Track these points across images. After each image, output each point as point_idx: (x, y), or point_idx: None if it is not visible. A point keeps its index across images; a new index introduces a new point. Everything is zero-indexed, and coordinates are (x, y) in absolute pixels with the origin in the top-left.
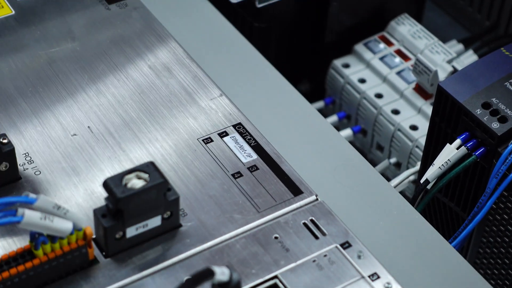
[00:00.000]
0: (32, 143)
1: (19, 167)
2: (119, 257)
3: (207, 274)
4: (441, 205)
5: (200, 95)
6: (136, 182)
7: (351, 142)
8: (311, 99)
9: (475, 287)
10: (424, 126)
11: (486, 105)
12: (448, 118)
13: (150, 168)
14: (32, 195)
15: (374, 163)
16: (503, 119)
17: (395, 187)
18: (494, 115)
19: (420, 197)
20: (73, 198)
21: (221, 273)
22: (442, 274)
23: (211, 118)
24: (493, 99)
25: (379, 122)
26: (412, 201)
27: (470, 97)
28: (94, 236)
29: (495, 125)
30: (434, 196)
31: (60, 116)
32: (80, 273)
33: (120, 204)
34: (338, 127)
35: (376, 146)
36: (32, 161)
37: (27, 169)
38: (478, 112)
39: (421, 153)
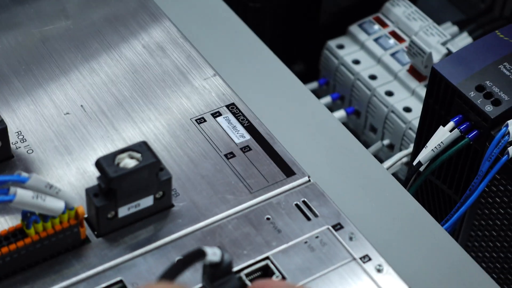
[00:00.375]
0: (25, 122)
1: (11, 145)
2: (111, 237)
3: (199, 254)
4: (433, 188)
5: (193, 75)
6: (128, 162)
7: (345, 123)
8: (305, 80)
9: (466, 270)
10: (417, 108)
11: (480, 88)
12: (441, 100)
13: (142, 147)
14: (24, 174)
15: (367, 145)
16: (496, 102)
17: (387, 169)
18: (487, 98)
19: (413, 179)
20: (65, 177)
21: (213, 254)
22: (433, 256)
23: (205, 98)
24: (487, 82)
25: (372, 103)
26: (404, 183)
27: (464, 79)
28: (86, 216)
29: (488, 108)
30: (427, 179)
31: (53, 95)
32: (72, 252)
33: (112, 183)
34: (332, 108)
35: (370, 127)
36: (24, 140)
37: (20, 147)
38: (471, 95)
39: (414, 135)
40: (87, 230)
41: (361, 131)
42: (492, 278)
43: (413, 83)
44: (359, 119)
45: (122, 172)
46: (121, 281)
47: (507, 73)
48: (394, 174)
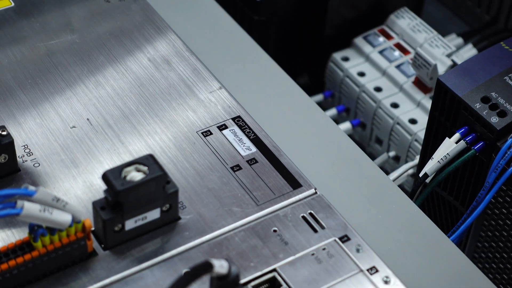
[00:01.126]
0: (31, 135)
1: (18, 159)
2: (118, 250)
3: (206, 267)
4: (440, 199)
5: (199, 88)
6: (135, 175)
7: (350, 136)
8: (310, 92)
9: (473, 281)
10: (423, 120)
11: (485, 99)
12: (447, 112)
13: (149, 160)
14: (31, 187)
15: (373, 157)
16: (502, 114)
17: (393, 180)
18: (493, 109)
19: (419, 191)
20: (72, 190)
21: (220, 266)
22: (440, 268)
23: (210, 111)
24: (493, 93)
25: (378, 115)
26: (411, 195)
27: (469, 91)
28: (93, 229)
29: (494, 120)
30: (433, 190)
31: (59, 108)
32: (79, 265)
33: (119, 196)
34: (337, 120)
35: (375, 139)
36: (31, 153)
37: (26, 161)
38: (477, 106)
39: (420, 147)
40: (94, 243)
41: (366, 143)
42: None
43: (419, 95)
44: (365, 131)
45: (129, 185)
46: None
47: None
48: (400, 186)
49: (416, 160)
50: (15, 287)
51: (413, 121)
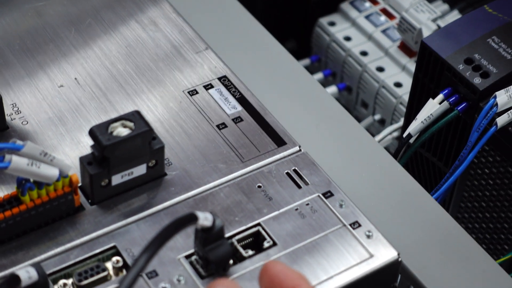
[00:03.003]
0: (20, 94)
1: (6, 117)
2: (105, 205)
3: (191, 218)
4: (423, 160)
5: (186, 49)
6: (121, 130)
7: (336, 99)
8: (297, 57)
9: (455, 237)
10: (408, 83)
11: (468, 61)
12: (431, 73)
13: (135, 116)
14: (19, 142)
15: (358, 120)
16: (485, 75)
17: (378, 142)
18: (476, 70)
19: (403, 151)
20: (59, 147)
21: (204, 218)
22: (423, 225)
23: (197, 71)
24: (476, 55)
25: (364, 79)
26: (394, 155)
27: (453, 53)
28: (80, 184)
29: (477, 80)
30: (417, 151)
31: (48, 68)
32: (66, 220)
33: (105, 151)
34: (324, 84)
35: (361, 103)
36: (19, 111)
37: (15, 119)
38: (460, 68)
39: (405, 110)
40: (81, 198)
41: (352, 107)
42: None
43: (404, 59)
44: (351, 95)
45: (115, 140)
46: (114, 246)
47: (496, 46)
48: (385, 149)
49: (401, 122)
50: (3, 241)
51: (398, 85)
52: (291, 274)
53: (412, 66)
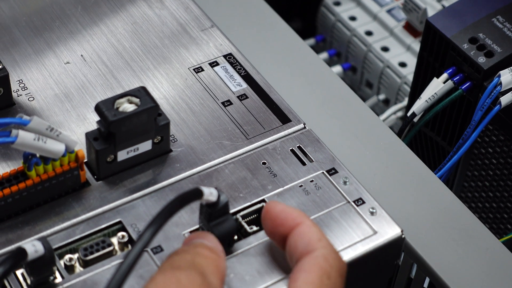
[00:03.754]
0: (26, 71)
1: (13, 93)
2: (111, 180)
3: (196, 193)
4: (428, 140)
5: (191, 26)
6: (127, 106)
7: (341, 79)
8: (302, 36)
9: (458, 214)
10: (413, 63)
11: (473, 40)
12: (435, 52)
13: (141, 92)
14: (26, 117)
15: (363, 100)
16: (489, 54)
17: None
18: (480, 49)
19: (407, 130)
20: (66, 123)
21: (209, 194)
22: (426, 203)
23: (202, 48)
24: (480, 35)
25: (368, 59)
26: (398, 134)
27: (457, 32)
28: (86, 160)
29: (481, 60)
30: (421, 131)
31: (54, 45)
32: (72, 195)
33: (111, 127)
34: (329, 64)
35: (366, 83)
36: (26, 88)
37: (21, 95)
38: (465, 47)
39: (409, 90)
40: (87, 174)
41: (357, 87)
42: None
43: (409, 39)
44: (356, 75)
45: (121, 115)
46: (120, 222)
47: (500, 25)
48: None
49: (405, 102)
50: (10, 216)
51: (403, 65)
52: (292, 213)
53: (417, 46)
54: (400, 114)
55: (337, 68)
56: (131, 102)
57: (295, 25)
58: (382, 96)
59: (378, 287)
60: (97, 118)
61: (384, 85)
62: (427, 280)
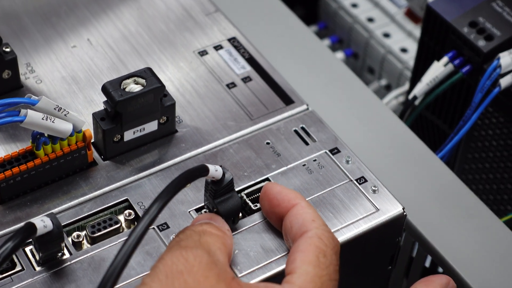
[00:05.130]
0: (33, 54)
1: (20, 76)
2: (117, 160)
3: (201, 170)
4: (428, 123)
5: (196, 11)
6: (134, 87)
7: None
8: (305, 24)
9: (458, 193)
10: (414, 49)
11: (473, 24)
12: (436, 36)
13: (147, 73)
14: (34, 97)
15: None
16: (489, 37)
17: None
18: (480, 33)
19: (408, 113)
20: (73, 105)
21: (215, 170)
22: (428, 182)
23: (207, 32)
24: (480, 18)
25: (370, 45)
26: (400, 117)
27: (457, 16)
28: (93, 141)
29: (481, 43)
30: (422, 114)
31: (60, 29)
32: (80, 174)
33: (118, 107)
34: (331, 50)
35: (367, 69)
36: (33, 71)
37: (29, 78)
38: (465, 31)
39: (410, 75)
40: (94, 154)
41: (359, 73)
42: None
43: (410, 25)
44: (357, 61)
45: (128, 95)
46: (127, 200)
47: (499, 10)
48: None
49: (406, 86)
50: (18, 194)
51: (404, 50)
52: (288, 194)
53: (417, 32)
54: (401, 98)
55: (339, 55)
56: (137, 83)
57: (298, 13)
58: (383, 82)
59: (380, 264)
60: (104, 99)
61: (386, 71)
62: (428, 260)
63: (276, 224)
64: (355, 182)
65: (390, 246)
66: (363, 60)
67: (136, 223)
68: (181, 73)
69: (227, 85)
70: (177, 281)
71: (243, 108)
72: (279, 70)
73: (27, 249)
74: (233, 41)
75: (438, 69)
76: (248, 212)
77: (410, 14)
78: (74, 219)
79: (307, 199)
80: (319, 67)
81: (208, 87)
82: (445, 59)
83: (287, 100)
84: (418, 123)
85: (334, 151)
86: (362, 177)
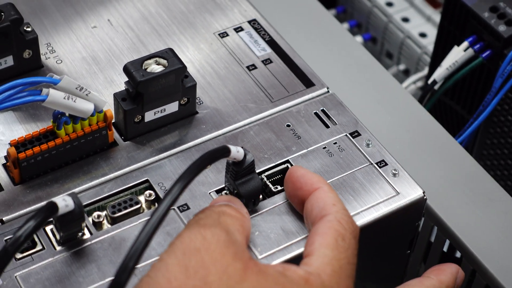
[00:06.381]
0: (54, 35)
1: (41, 56)
2: (138, 141)
3: (223, 151)
4: (447, 109)
5: None
6: (155, 67)
7: None
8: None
9: (478, 180)
10: (433, 34)
11: (493, 9)
12: (456, 21)
13: (169, 54)
14: (56, 76)
15: None
16: (509, 22)
17: None
18: (501, 18)
19: (428, 97)
20: (93, 85)
21: (236, 152)
22: (447, 167)
23: (227, 14)
24: (501, 3)
25: (389, 29)
26: (419, 101)
27: (478, 1)
28: (113, 121)
29: (502, 28)
30: (441, 100)
31: (81, 9)
32: (100, 154)
33: (139, 87)
34: None
35: (386, 53)
36: (54, 51)
37: (49, 58)
38: (485, 15)
39: (429, 60)
40: (114, 135)
41: (377, 57)
42: None
43: (429, 10)
44: (376, 46)
45: (149, 76)
46: (147, 180)
47: None
48: None
49: (425, 71)
50: (39, 173)
51: (423, 35)
52: (311, 178)
53: (436, 17)
54: (420, 84)
55: (358, 39)
56: (158, 64)
57: None
58: (402, 67)
59: (399, 248)
60: (124, 80)
61: (404, 56)
62: (446, 244)
63: (298, 207)
64: (375, 165)
65: (410, 230)
66: (381, 44)
67: (156, 204)
68: (201, 54)
69: (248, 67)
70: (194, 258)
71: (264, 90)
72: (299, 52)
73: (48, 229)
74: (253, 23)
75: (458, 54)
76: (269, 194)
77: None
78: (94, 199)
79: (327, 182)
80: (339, 50)
81: (228, 69)
82: (465, 44)
83: (307, 82)
84: (437, 108)
85: (355, 134)
86: (383, 160)
